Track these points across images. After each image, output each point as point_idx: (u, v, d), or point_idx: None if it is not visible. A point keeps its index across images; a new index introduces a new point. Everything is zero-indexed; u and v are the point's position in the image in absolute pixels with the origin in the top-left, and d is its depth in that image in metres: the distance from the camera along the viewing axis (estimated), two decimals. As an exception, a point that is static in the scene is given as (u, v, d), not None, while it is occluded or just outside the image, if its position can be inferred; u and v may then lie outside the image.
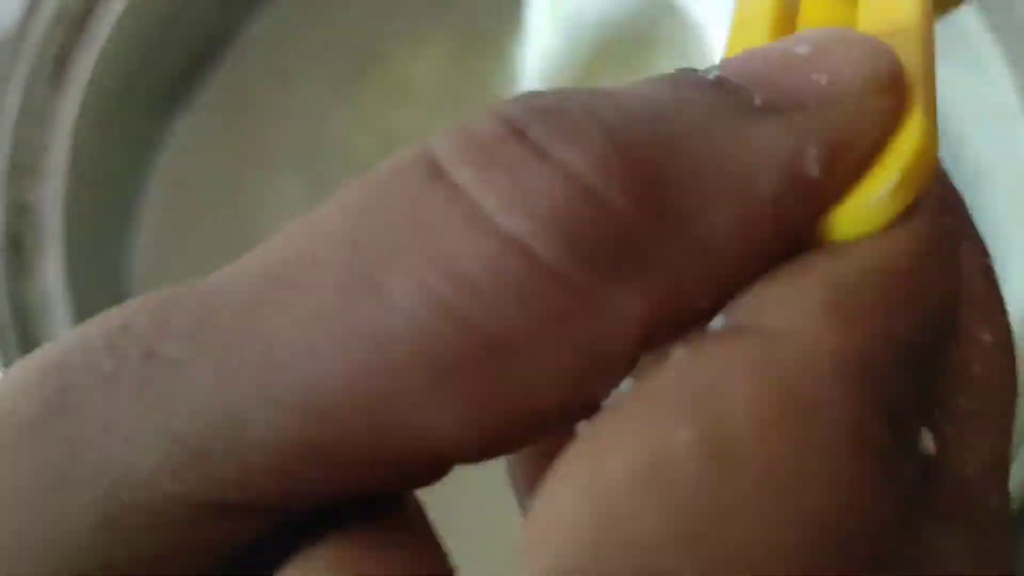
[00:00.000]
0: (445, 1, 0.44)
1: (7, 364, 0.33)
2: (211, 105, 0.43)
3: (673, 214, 0.13)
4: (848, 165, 0.14)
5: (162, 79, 0.41)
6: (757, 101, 0.14)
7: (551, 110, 0.13)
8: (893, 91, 0.14)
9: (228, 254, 0.45)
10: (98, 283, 0.38)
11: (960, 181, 0.44)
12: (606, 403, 0.13)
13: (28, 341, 0.34)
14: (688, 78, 0.14)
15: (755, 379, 0.12)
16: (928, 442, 0.14)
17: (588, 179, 0.12)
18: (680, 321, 0.13)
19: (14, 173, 0.35)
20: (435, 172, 0.13)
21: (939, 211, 0.14)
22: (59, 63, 0.36)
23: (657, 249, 0.13)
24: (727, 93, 0.14)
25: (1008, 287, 0.38)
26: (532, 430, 0.13)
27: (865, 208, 0.14)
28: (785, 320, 0.13)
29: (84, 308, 0.35)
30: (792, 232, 0.14)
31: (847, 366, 0.12)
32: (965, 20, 0.37)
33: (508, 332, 0.12)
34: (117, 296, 0.40)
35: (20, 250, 0.35)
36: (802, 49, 0.14)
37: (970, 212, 0.17)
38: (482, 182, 0.13)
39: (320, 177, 0.43)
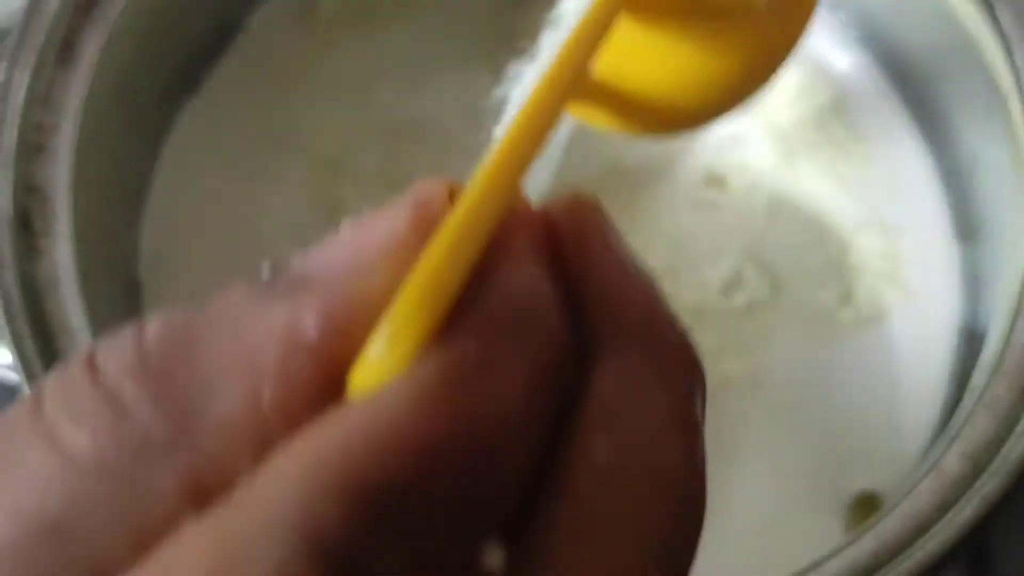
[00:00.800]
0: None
1: (17, 343, 0.34)
2: (219, 88, 0.43)
3: (187, 409, 0.15)
4: (346, 327, 0.16)
5: (170, 61, 0.42)
6: (279, 287, 0.16)
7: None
8: (391, 265, 0.16)
9: (234, 234, 0.44)
10: (106, 262, 0.39)
11: (957, 165, 0.44)
12: None
13: (38, 320, 0.34)
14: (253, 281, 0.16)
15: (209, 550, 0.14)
16: (495, 560, 0.15)
17: (126, 397, 0.15)
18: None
19: (23, 153, 0.35)
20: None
21: (467, 348, 0.15)
22: (67, 44, 0.36)
23: (180, 438, 0.15)
24: (262, 286, 0.16)
25: (999, 268, 0.39)
26: None
27: (367, 364, 0.15)
28: (249, 492, 0.14)
29: (92, 287, 0.35)
30: (316, 388, 0.15)
31: (290, 530, 0.14)
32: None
33: (71, 522, 0.15)
34: (125, 275, 0.41)
35: (29, 229, 0.35)
36: (344, 229, 0.16)
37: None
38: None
39: (326, 160, 0.43)
